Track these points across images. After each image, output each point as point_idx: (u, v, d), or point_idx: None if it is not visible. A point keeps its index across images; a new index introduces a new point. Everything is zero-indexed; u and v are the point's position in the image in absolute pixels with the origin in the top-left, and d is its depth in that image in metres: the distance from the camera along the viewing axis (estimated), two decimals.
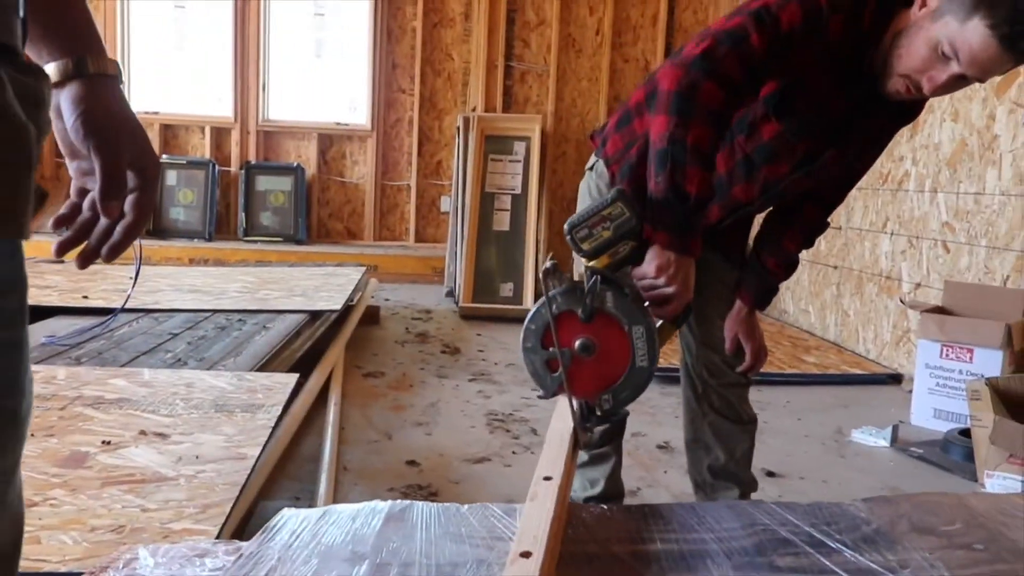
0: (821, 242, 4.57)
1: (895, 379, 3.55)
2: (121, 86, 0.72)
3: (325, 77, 6.26)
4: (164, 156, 5.96)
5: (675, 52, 1.38)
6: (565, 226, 1.18)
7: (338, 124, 6.23)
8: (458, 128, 5.39)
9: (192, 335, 2.76)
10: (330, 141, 6.22)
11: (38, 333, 2.66)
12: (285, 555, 0.98)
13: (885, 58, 1.30)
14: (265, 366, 2.40)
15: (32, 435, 1.68)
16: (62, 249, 0.72)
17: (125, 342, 2.61)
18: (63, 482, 1.44)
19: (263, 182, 6.07)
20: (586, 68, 6.04)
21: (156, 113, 6.09)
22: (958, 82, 1.26)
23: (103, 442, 1.65)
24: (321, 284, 3.86)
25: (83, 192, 0.73)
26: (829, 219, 1.70)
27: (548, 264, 1.16)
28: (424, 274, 5.71)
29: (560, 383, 1.16)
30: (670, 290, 1.21)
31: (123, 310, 2.90)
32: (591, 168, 1.66)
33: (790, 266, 1.67)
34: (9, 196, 0.49)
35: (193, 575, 1.03)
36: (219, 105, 6.15)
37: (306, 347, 2.86)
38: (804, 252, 1.73)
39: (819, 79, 1.36)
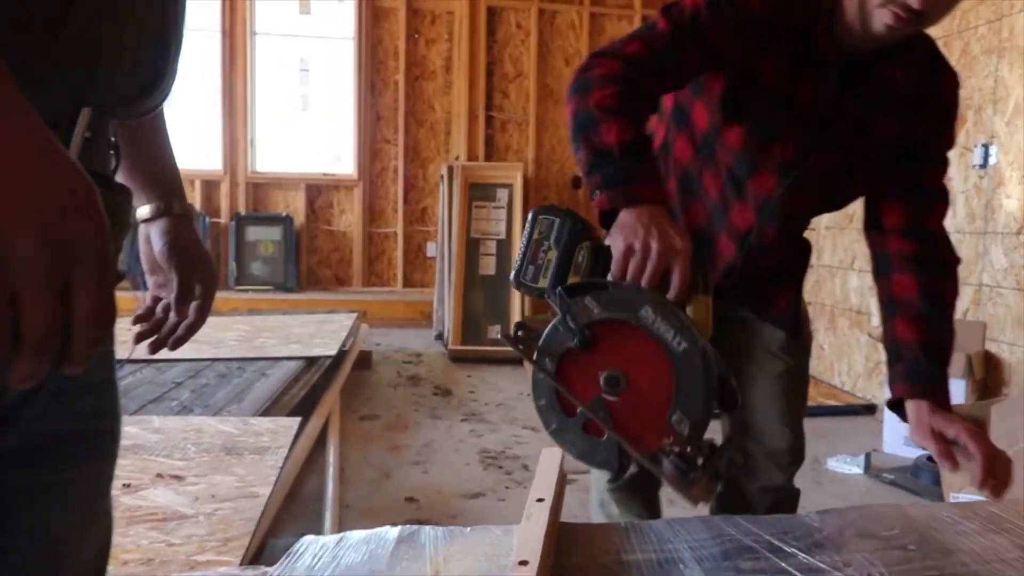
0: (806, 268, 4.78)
1: (869, 409, 3.71)
2: (195, 222, 0.96)
3: (311, 129, 6.46)
4: None
5: None
6: (511, 279, 0.99)
7: (325, 174, 6.41)
8: (442, 176, 5.58)
9: (195, 383, 2.88)
10: (318, 191, 6.39)
11: None
12: (310, 574, 1.10)
13: (858, 1, 1.12)
14: (267, 411, 2.52)
15: None
16: (140, 338, 0.95)
17: (131, 391, 2.73)
18: None
19: (253, 232, 6.21)
20: (564, 117, 6.24)
21: None
22: None
23: (124, 485, 1.77)
24: (315, 331, 3.99)
25: (156, 299, 0.95)
26: (927, 229, 1.31)
27: (514, 326, 0.95)
28: (413, 318, 5.84)
29: (619, 446, 0.89)
30: (654, 251, 0.95)
31: (128, 361, 3.02)
32: None
33: (925, 319, 1.25)
34: None
35: None
36: (208, 159, 6.32)
37: (304, 392, 2.98)
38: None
39: (765, 65, 1.19)
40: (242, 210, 6.25)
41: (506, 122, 6.25)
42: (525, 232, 0.98)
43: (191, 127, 6.29)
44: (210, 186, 6.29)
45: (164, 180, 0.92)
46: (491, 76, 6.22)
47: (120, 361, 2.42)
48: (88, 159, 0.61)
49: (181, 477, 1.84)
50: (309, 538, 1.25)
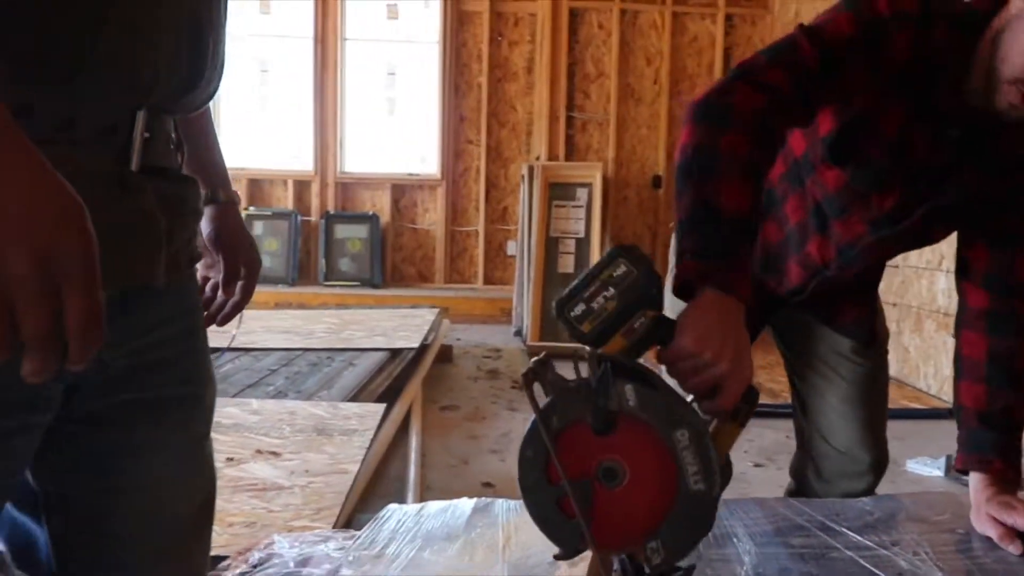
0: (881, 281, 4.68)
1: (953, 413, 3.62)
2: (239, 209, 1.05)
3: (397, 131, 6.68)
4: (251, 208, 6.43)
5: None
6: (554, 304, 0.88)
7: (410, 175, 6.61)
8: (523, 176, 5.69)
9: (288, 371, 3.07)
10: (402, 191, 6.60)
11: None
12: (394, 536, 1.22)
13: (988, 70, 1.03)
14: (355, 398, 2.68)
15: None
16: None
17: (231, 377, 2.94)
18: None
19: (341, 230, 6.47)
20: (645, 116, 6.30)
21: (243, 168, 6.57)
22: None
23: (227, 459, 1.94)
24: (399, 324, 4.17)
25: (205, 280, 1.04)
26: (1009, 281, 1.21)
27: (533, 362, 0.85)
28: (493, 315, 5.97)
29: (581, 535, 0.81)
30: (719, 369, 0.86)
31: (228, 349, 3.24)
32: (674, 224, 1.36)
33: (987, 382, 1.17)
34: (150, 260, 0.72)
35: (322, 552, 1.29)
36: (300, 160, 6.61)
37: (388, 382, 3.14)
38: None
39: (887, 113, 1.10)
40: (331, 209, 6.52)
41: (587, 122, 6.32)
42: (596, 265, 0.87)
43: (285, 130, 6.61)
44: (302, 186, 6.58)
45: (211, 171, 1.00)
46: (572, 77, 6.29)
47: (220, 349, 2.61)
48: (150, 156, 0.69)
49: (278, 453, 2.01)
50: (393, 506, 1.37)
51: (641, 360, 0.87)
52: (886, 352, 1.46)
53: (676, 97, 6.20)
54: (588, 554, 0.84)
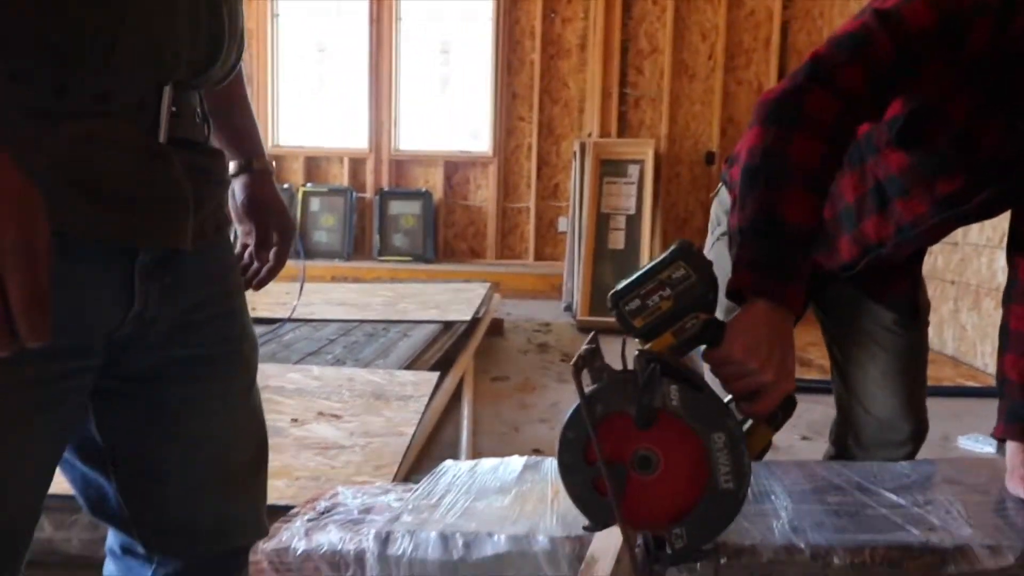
0: (938, 258, 4.60)
1: None
2: (272, 177, 1.08)
3: (450, 109, 6.76)
4: (308, 184, 6.60)
5: None
6: (610, 297, 0.91)
7: (462, 152, 6.69)
8: (575, 152, 5.72)
9: (346, 340, 3.19)
10: (455, 167, 6.69)
11: None
12: (450, 489, 1.31)
13: None
14: (410, 366, 2.79)
15: None
16: None
17: (292, 345, 3.07)
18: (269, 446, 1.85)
19: (395, 206, 6.60)
20: (699, 92, 6.24)
21: (301, 147, 6.75)
22: None
23: (292, 420, 2.06)
24: (451, 298, 4.26)
25: (244, 246, 1.08)
26: None
27: (583, 349, 0.88)
28: (543, 290, 6.04)
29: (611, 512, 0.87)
30: (762, 378, 0.89)
31: (289, 320, 3.38)
32: (716, 194, 1.46)
33: None
34: (178, 224, 0.78)
35: (383, 502, 1.38)
36: (355, 138, 6.74)
37: (441, 353, 3.24)
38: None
39: (957, 102, 1.07)
40: (385, 186, 6.65)
41: (639, 98, 6.29)
42: (657, 263, 0.89)
43: (341, 109, 6.74)
44: (356, 163, 6.72)
45: (245, 140, 1.04)
46: (625, 53, 6.27)
47: (282, 320, 2.76)
48: (177, 129, 0.75)
49: (339, 416, 2.12)
50: (449, 462, 1.46)
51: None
52: (927, 323, 1.47)
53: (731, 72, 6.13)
54: None
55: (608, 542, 0.90)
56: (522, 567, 1.08)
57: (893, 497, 1.10)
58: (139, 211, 0.72)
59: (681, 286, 0.88)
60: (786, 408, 0.93)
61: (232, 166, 1.03)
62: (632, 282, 0.90)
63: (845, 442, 1.45)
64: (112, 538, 0.95)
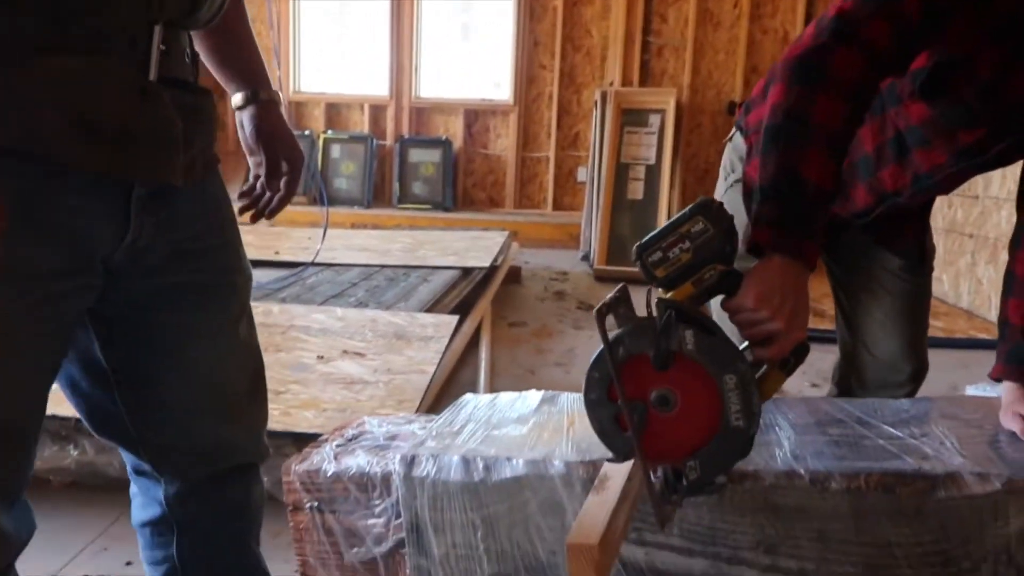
0: (958, 211, 4.59)
1: None
2: (280, 108, 1.09)
3: (471, 56, 6.72)
4: (329, 131, 6.62)
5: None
6: (634, 249, 0.96)
7: (483, 100, 6.67)
8: (596, 102, 5.69)
9: (368, 284, 3.27)
10: (475, 116, 6.68)
11: None
12: (470, 419, 1.38)
13: None
14: (430, 310, 2.86)
15: (266, 350, 2.19)
16: (242, 211, 1.09)
17: (316, 288, 3.15)
18: (297, 380, 1.93)
19: (415, 154, 6.62)
20: (723, 41, 6.16)
21: (322, 93, 6.75)
22: None
23: (318, 357, 2.14)
24: (470, 246, 4.32)
25: (256, 177, 1.10)
26: None
27: (609, 297, 0.93)
28: (561, 240, 6.08)
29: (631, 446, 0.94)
30: (774, 326, 0.95)
31: (312, 264, 3.46)
32: (730, 139, 1.47)
33: None
34: (169, 159, 0.82)
35: (408, 431, 1.46)
36: (376, 85, 6.74)
37: (460, 298, 3.30)
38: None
39: (983, 56, 1.07)
40: (405, 133, 6.66)
41: (663, 47, 6.22)
42: (678, 217, 0.95)
43: (362, 56, 6.72)
44: (377, 110, 6.72)
45: (250, 73, 1.05)
46: (649, 0, 6.18)
47: (305, 264, 2.85)
48: (167, 68, 0.80)
49: (362, 354, 2.20)
50: (469, 395, 1.53)
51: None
52: (931, 269, 1.50)
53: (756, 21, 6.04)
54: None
55: (619, 463, 0.99)
56: (539, 489, 1.16)
57: (891, 430, 1.16)
58: (131, 146, 0.77)
59: (700, 239, 0.93)
60: (798, 354, 0.99)
61: (239, 98, 1.06)
62: (655, 235, 0.95)
63: (848, 383, 1.51)
64: (126, 459, 1.01)
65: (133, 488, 1.05)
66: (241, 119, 1.06)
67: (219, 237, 0.95)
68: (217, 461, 1.00)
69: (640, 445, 0.92)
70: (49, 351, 0.80)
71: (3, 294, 0.71)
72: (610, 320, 0.94)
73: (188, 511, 1.01)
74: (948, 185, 1.29)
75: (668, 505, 0.96)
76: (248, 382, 1.01)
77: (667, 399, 0.93)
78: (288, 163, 1.08)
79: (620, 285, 0.97)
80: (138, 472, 1.01)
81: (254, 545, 1.10)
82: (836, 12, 1.01)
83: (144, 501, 1.03)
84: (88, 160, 0.74)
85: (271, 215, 1.12)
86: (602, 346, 0.92)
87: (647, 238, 0.96)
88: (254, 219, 1.11)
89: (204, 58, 1.01)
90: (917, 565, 1.03)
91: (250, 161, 1.09)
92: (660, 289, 0.96)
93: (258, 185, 1.09)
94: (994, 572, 1.01)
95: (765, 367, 0.99)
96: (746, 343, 0.98)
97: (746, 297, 0.95)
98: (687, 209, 0.95)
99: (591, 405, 0.97)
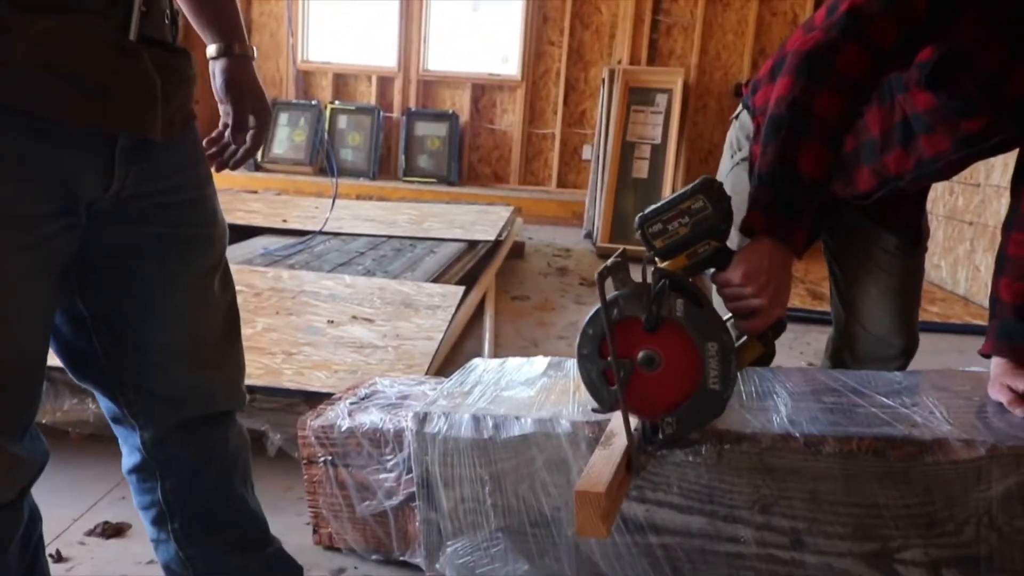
0: (959, 198, 4.62)
1: None
2: (252, 63, 1.11)
3: (480, 30, 6.70)
4: (336, 102, 6.63)
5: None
6: (636, 218, 1.04)
7: (490, 75, 6.67)
8: (603, 80, 5.70)
9: (375, 254, 3.31)
10: (482, 90, 6.68)
11: (255, 246, 3.30)
12: (479, 381, 1.43)
13: None
14: (436, 280, 2.91)
15: (277, 313, 2.24)
16: (211, 159, 1.10)
17: (323, 256, 3.20)
18: (308, 342, 1.99)
19: (421, 127, 6.62)
20: (732, 21, 6.15)
21: (329, 63, 6.75)
22: None
23: (328, 321, 2.19)
24: (476, 219, 4.36)
25: (226, 127, 1.12)
26: None
27: (610, 261, 1.01)
28: (564, 217, 6.11)
29: (616, 398, 1.02)
30: (757, 302, 1.03)
31: (320, 232, 3.50)
32: (736, 117, 1.51)
33: None
34: (148, 114, 0.86)
35: (419, 391, 1.52)
36: (384, 56, 6.73)
37: (465, 270, 3.35)
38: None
39: (986, 49, 1.11)
40: (412, 106, 6.66)
41: (671, 26, 6.22)
42: (680, 194, 1.02)
43: (371, 26, 6.70)
44: (385, 82, 6.72)
45: (226, 27, 1.07)
46: None
47: (313, 232, 2.90)
48: (146, 28, 0.83)
49: (371, 320, 2.25)
50: (478, 360, 1.58)
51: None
52: (925, 249, 1.56)
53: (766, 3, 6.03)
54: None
55: (603, 413, 1.07)
56: (546, 446, 1.22)
57: (883, 399, 1.21)
58: (112, 100, 0.81)
59: (698, 216, 1.01)
60: (776, 329, 1.08)
61: (212, 50, 1.08)
62: (657, 208, 1.03)
63: (841, 356, 1.56)
64: (103, 408, 1.04)
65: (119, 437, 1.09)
66: (214, 70, 1.09)
67: (197, 191, 0.99)
68: (193, 408, 1.03)
69: (624, 399, 1.00)
70: (46, 292, 0.84)
71: (2, 239, 0.75)
72: (608, 284, 1.01)
73: (166, 456, 1.04)
74: (949, 171, 1.34)
75: (643, 455, 1.05)
76: (223, 331, 1.05)
77: (652, 359, 1.01)
78: (255, 117, 1.11)
79: (620, 249, 1.04)
80: (115, 420, 1.04)
81: (239, 487, 1.12)
82: (849, 7, 1.06)
83: (127, 449, 1.06)
84: (71, 114, 0.78)
85: (235, 166, 1.14)
86: (599, 305, 0.99)
87: (649, 209, 1.04)
88: (218, 168, 1.13)
89: (184, 10, 1.04)
90: (904, 526, 1.09)
91: (221, 111, 1.12)
92: (657, 258, 1.05)
93: (226, 135, 1.12)
94: (976, 533, 1.06)
95: (745, 338, 1.07)
96: (730, 316, 1.06)
97: (734, 273, 1.03)
98: (690, 187, 1.02)
99: (583, 359, 1.05)
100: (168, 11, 0.91)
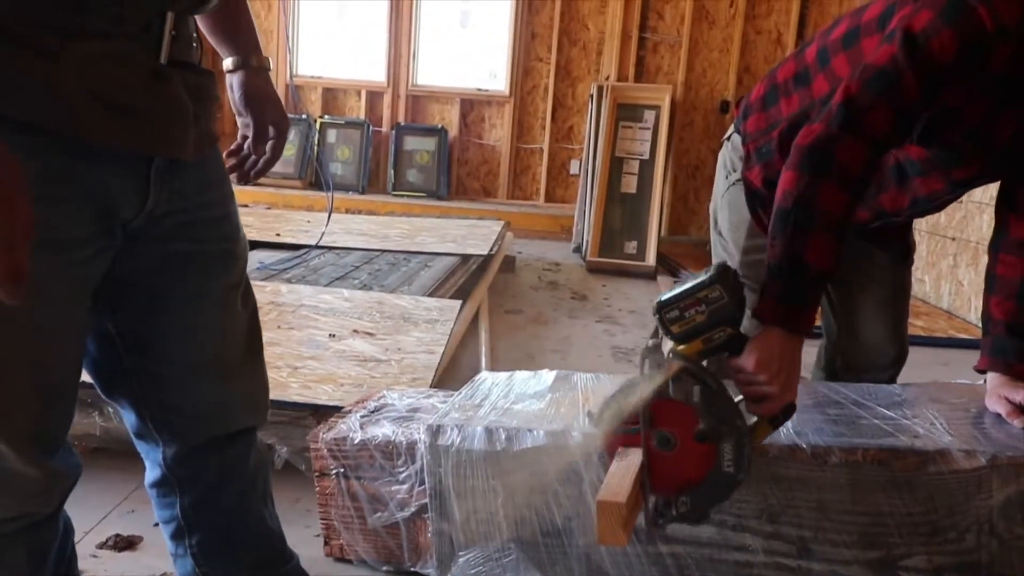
0: (942, 215, 4.71)
1: None
2: (269, 74, 1.14)
3: (469, 46, 6.76)
4: (325, 116, 6.65)
5: (823, 33, 1.30)
6: (655, 303, 1.08)
7: (479, 90, 6.72)
8: (591, 96, 5.77)
9: (370, 268, 3.33)
10: (471, 106, 6.73)
11: (251, 260, 3.31)
12: (489, 394, 1.46)
13: None
14: (432, 293, 2.93)
15: (279, 327, 2.26)
16: (229, 171, 1.11)
17: (319, 270, 3.21)
18: (312, 356, 2.00)
19: (410, 142, 6.66)
20: (718, 39, 6.25)
21: (319, 78, 6.77)
22: None
23: (330, 335, 2.21)
24: (467, 234, 4.39)
25: (244, 138, 1.15)
26: None
27: (649, 342, 1.09)
28: (553, 231, 6.16)
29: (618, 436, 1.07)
30: (769, 389, 1.08)
31: (316, 247, 3.51)
32: (728, 139, 1.56)
33: (1018, 299, 1.30)
34: (182, 135, 0.90)
35: (429, 404, 1.54)
36: (373, 71, 6.76)
37: (459, 284, 3.38)
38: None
39: (971, 108, 1.18)
40: (402, 120, 6.69)
41: (658, 43, 6.30)
42: (700, 279, 1.06)
43: (360, 42, 6.74)
44: (374, 97, 6.75)
45: (243, 40, 1.10)
46: None
47: (309, 246, 2.92)
48: (176, 52, 0.87)
49: (372, 334, 2.27)
50: (486, 373, 1.61)
51: None
52: (912, 262, 1.64)
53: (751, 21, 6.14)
54: None
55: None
56: (558, 459, 1.25)
57: (885, 411, 1.25)
58: (150, 123, 0.84)
59: (715, 304, 1.05)
60: (786, 412, 1.12)
61: (229, 62, 1.11)
62: (675, 295, 1.07)
63: (834, 366, 1.62)
64: (127, 423, 1.06)
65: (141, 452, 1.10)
66: (231, 82, 1.11)
67: (222, 208, 1.01)
68: (216, 426, 1.05)
69: (648, 473, 1.06)
70: (82, 311, 0.87)
71: (43, 259, 0.77)
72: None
73: (187, 472, 1.06)
74: (941, 206, 1.41)
75: (654, 527, 1.11)
76: (246, 348, 1.07)
77: (669, 440, 1.06)
78: (274, 128, 1.13)
79: (654, 328, 1.12)
80: (138, 436, 1.06)
81: (258, 504, 1.14)
82: (843, 99, 1.11)
83: (149, 464, 1.08)
84: (112, 137, 0.81)
85: (256, 176, 1.16)
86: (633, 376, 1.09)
87: (667, 296, 1.07)
88: (241, 180, 1.15)
89: (201, 26, 1.06)
90: (907, 534, 1.13)
91: (238, 123, 1.14)
92: (673, 343, 1.09)
93: (245, 146, 1.13)
94: (977, 540, 1.11)
95: (755, 418, 1.12)
96: (742, 397, 1.11)
97: (748, 361, 1.08)
98: (707, 275, 1.06)
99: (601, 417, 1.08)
100: (194, 34, 0.94)
